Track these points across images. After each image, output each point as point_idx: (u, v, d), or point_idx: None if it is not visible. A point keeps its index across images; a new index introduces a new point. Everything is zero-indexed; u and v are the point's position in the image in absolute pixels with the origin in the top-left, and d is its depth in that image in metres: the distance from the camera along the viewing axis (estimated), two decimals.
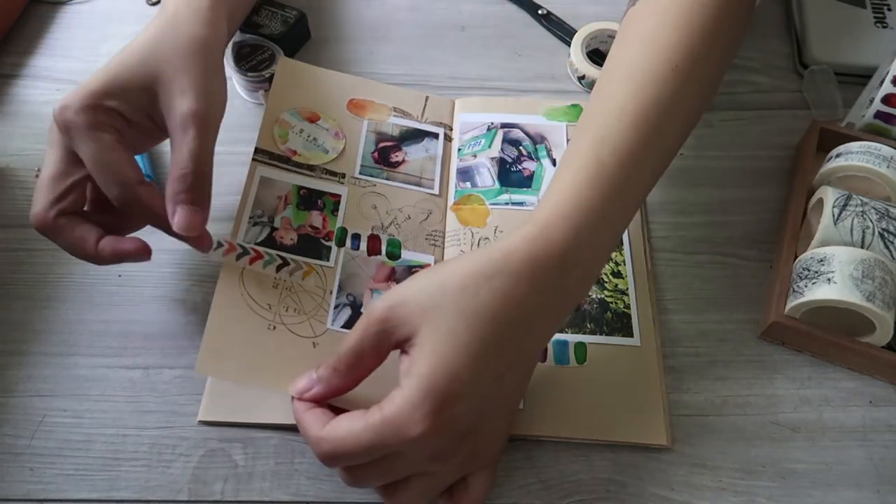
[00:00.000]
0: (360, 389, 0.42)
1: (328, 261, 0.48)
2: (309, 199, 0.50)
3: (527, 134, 0.56)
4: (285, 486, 0.41)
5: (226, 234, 0.47)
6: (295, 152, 0.51)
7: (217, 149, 0.56)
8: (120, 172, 0.40)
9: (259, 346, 0.43)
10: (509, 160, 0.54)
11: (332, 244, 0.48)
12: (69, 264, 0.49)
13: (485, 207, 0.52)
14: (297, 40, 0.62)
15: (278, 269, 0.46)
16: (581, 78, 0.60)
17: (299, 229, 0.48)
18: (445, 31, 0.64)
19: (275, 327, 0.44)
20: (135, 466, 0.41)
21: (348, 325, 0.45)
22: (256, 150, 0.51)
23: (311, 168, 0.51)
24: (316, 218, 0.49)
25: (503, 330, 0.35)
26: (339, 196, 0.51)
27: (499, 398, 0.36)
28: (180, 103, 0.41)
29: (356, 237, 0.49)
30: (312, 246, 0.48)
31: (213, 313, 0.43)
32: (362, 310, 0.46)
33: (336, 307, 0.46)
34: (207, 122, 0.41)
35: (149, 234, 0.50)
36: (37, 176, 0.42)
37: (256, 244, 0.47)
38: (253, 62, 0.57)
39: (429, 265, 0.49)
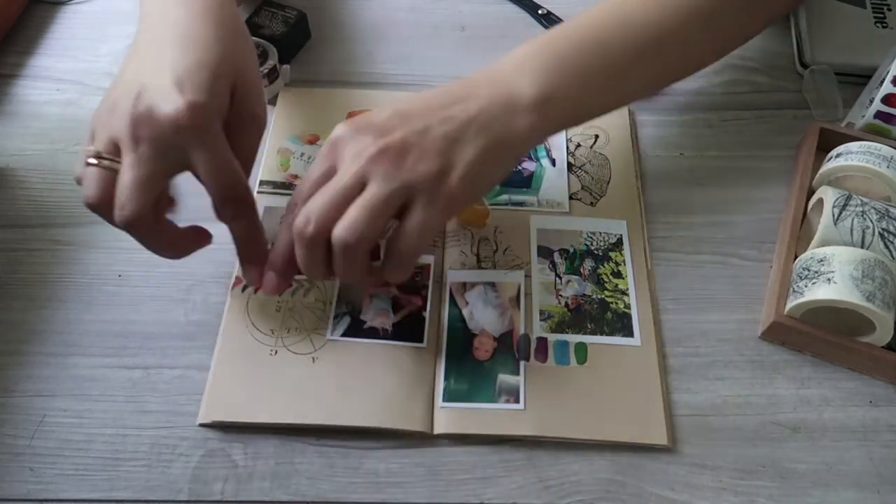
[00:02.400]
0: (362, 392, 0.43)
1: None
2: None
3: None
4: (285, 486, 0.41)
5: (233, 263, 0.48)
6: (296, 177, 0.53)
7: None
8: (238, 171, 0.41)
9: (260, 378, 0.44)
10: None
11: None
12: (69, 264, 0.49)
13: (485, 208, 0.52)
14: (297, 40, 0.62)
15: (281, 292, 0.47)
16: None
17: None
18: (445, 31, 0.64)
19: (276, 352, 0.45)
20: (135, 466, 0.41)
21: (348, 333, 0.45)
22: (260, 183, 0.52)
23: None
24: None
25: (444, 99, 0.42)
26: None
27: (426, 139, 0.40)
28: (251, 104, 0.42)
29: None
30: None
31: (218, 354, 0.45)
32: (362, 317, 0.46)
33: (336, 317, 0.46)
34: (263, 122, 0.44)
35: None
36: (91, 158, 0.39)
37: None
38: None
39: (428, 266, 0.49)
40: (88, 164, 0.39)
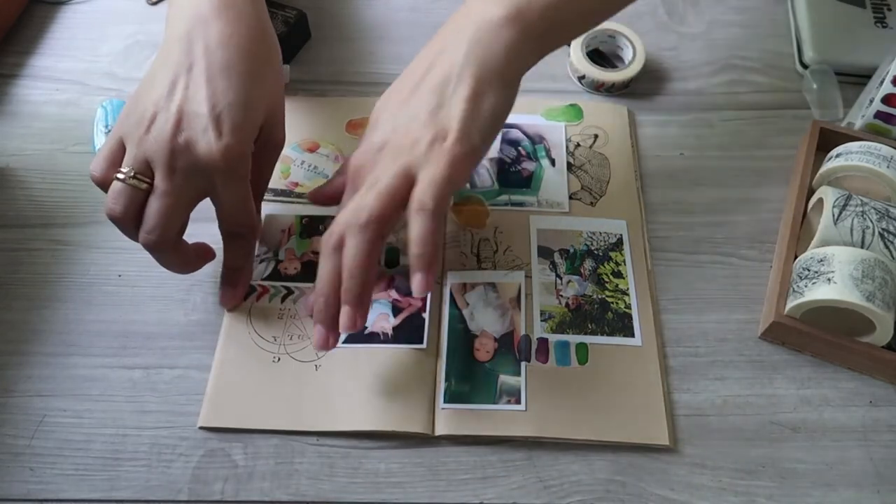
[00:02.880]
0: (359, 395, 0.42)
1: None
2: (311, 226, 0.51)
3: (525, 134, 0.56)
4: (285, 486, 0.41)
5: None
6: (297, 184, 0.53)
7: None
8: (251, 212, 0.44)
9: (262, 385, 0.44)
10: (508, 160, 0.54)
11: None
12: (69, 264, 0.49)
13: (484, 208, 0.52)
14: (297, 40, 0.62)
15: (283, 299, 0.47)
16: (581, 78, 0.60)
17: (302, 257, 0.49)
18: None
19: (279, 359, 0.45)
20: (135, 466, 0.41)
21: (349, 339, 0.46)
22: None
23: None
24: (317, 243, 0.50)
25: (418, 73, 0.41)
26: None
27: (415, 126, 0.40)
28: (277, 134, 0.45)
29: None
30: (314, 270, 0.48)
31: (219, 359, 0.45)
32: None
33: None
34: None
35: None
36: (121, 174, 0.40)
37: (262, 280, 0.48)
38: None
39: None
40: (118, 180, 0.40)
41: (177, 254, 0.43)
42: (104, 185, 0.40)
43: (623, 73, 0.58)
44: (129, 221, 0.40)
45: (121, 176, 0.40)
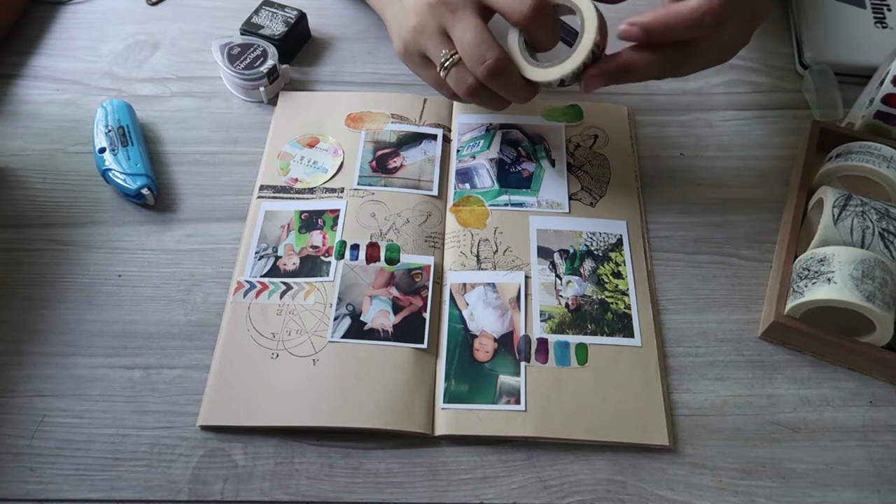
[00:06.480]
0: (366, 395, 0.42)
1: (328, 276, 0.48)
2: (310, 221, 0.51)
3: (525, 135, 0.56)
4: (285, 486, 0.41)
5: (233, 263, 0.49)
6: (296, 180, 0.53)
7: (216, 149, 0.56)
8: (495, 45, 0.45)
9: (261, 382, 0.44)
10: (508, 161, 0.54)
11: (332, 259, 0.49)
12: (69, 264, 0.49)
13: (484, 209, 0.52)
14: (297, 40, 0.62)
15: (282, 295, 0.47)
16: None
17: (301, 252, 0.49)
18: None
19: (277, 355, 0.45)
20: (135, 466, 0.41)
21: (348, 334, 0.45)
22: (261, 188, 0.52)
23: (311, 191, 0.52)
24: (316, 237, 0.50)
25: None
26: (338, 210, 0.51)
27: None
28: None
29: (355, 247, 0.49)
30: (313, 265, 0.48)
31: (218, 356, 0.45)
32: (362, 318, 0.46)
33: (335, 318, 0.46)
34: None
35: (150, 234, 0.51)
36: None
37: (261, 276, 0.48)
38: (247, 60, 0.57)
39: (428, 267, 0.49)
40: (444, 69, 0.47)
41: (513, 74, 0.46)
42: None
43: (555, 71, 0.46)
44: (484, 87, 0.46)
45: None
